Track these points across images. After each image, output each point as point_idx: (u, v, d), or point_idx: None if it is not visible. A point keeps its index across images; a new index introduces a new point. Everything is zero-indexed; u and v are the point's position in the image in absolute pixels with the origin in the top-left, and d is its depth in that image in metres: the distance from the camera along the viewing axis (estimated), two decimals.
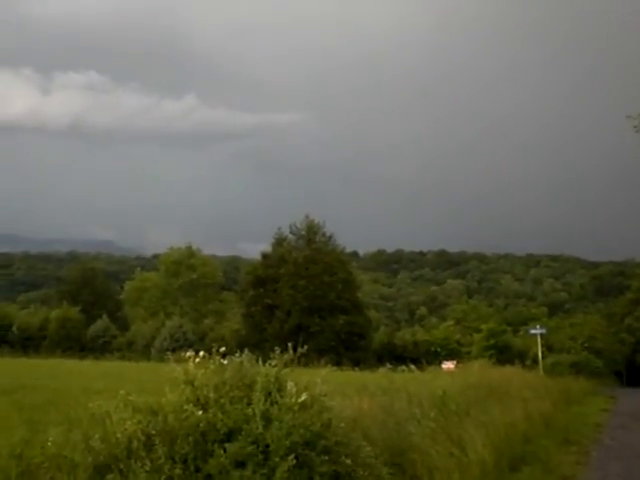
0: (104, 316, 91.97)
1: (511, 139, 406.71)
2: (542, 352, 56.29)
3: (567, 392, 31.03)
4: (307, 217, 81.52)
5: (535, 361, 56.26)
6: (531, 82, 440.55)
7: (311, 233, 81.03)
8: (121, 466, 7.68)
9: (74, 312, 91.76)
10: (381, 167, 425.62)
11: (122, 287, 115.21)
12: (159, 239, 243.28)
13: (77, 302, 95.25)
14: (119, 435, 8.02)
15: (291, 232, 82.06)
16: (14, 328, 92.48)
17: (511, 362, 41.63)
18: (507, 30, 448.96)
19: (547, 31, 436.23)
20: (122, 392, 8.45)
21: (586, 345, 65.62)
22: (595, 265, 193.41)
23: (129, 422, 8.08)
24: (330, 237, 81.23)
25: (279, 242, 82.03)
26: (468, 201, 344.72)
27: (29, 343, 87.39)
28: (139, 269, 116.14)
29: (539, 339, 56.39)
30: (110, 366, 53.93)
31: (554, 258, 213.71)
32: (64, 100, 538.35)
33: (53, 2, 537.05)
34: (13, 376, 32.15)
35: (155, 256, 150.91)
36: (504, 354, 62.91)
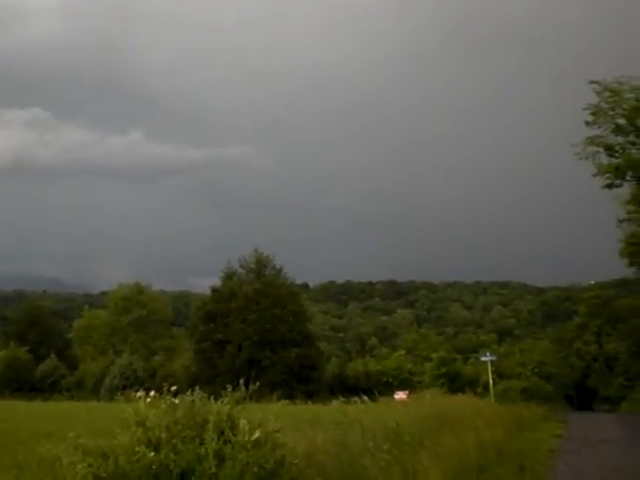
0: (52, 355, 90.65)
1: (460, 167, 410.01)
2: (493, 379, 56.55)
3: (519, 419, 31.10)
4: (256, 251, 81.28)
5: (486, 388, 56.60)
6: (482, 108, 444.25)
7: (260, 266, 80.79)
8: None
9: (22, 352, 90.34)
10: (330, 197, 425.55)
11: (71, 325, 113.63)
12: (106, 275, 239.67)
13: (25, 342, 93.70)
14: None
15: (240, 266, 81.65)
16: None
17: (462, 390, 41.77)
18: (468, 62, 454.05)
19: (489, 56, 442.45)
20: (72, 435, 8.31)
21: (536, 370, 66.33)
22: (542, 291, 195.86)
23: (80, 466, 7.95)
24: (280, 270, 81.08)
25: (229, 276, 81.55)
26: (416, 231, 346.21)
27: None
28: (87, 306, 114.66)
29: (489, 366, 56.58)
30: (59, 407, 52.93)
31: (502, 285, 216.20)
32: (8, 137, 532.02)
33: None
34: None
35: (103, 293, 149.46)
36: (455, 382, 63.33)
